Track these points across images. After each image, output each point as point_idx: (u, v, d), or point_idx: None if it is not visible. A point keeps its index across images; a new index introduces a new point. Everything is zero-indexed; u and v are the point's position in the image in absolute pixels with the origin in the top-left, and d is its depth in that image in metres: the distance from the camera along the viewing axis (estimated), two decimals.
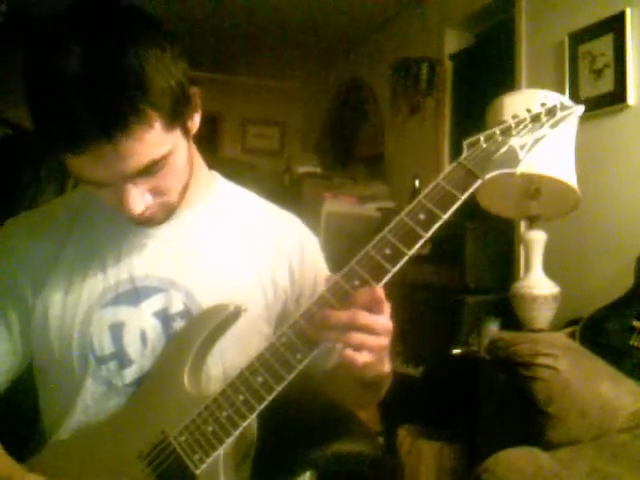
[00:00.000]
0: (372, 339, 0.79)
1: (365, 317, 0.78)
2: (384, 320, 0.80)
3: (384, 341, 0.80)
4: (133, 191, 0.80)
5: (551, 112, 0.86)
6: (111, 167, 0.76)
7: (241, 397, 0.81)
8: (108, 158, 0.75)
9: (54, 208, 1.00)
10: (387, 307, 0.80)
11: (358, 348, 0.78)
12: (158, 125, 0.76)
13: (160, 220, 0.89)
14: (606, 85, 2.31)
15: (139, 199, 0.81)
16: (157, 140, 0.77)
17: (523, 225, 2.47)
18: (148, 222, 0.88)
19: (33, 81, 0.76)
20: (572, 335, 1.82)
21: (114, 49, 0.72)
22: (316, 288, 1.03)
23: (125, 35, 0.74)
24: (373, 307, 0.79)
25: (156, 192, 0.84)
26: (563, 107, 0.86)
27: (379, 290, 0.79)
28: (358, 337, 0.78)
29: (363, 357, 0.78)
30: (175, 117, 0.79)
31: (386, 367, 0.87)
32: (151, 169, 0.79)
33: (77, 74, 0.71)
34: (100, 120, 0.72)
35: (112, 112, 0.72)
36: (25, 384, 0.97)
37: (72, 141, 0.73)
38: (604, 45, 2.32)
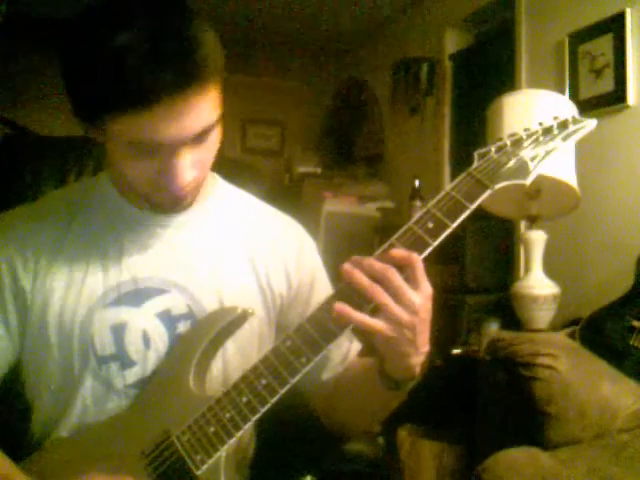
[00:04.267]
0: (394, 305, 0.76)
1: (398, 279, 0.75)
2: (415, 296, 0.77)
3: (407, 317, 0.76)
4: (183, 159, 0.80)
5: (563, 125, 0.86)
6: (174, 126, 0.77)
7: (244, 399, 0.81)
8: (174, 115, 0.76)
9: (52, 201, 0.99)
10: (425, 286, 0.77)
11: (380, 309, 0.75)
12: (214, 92, 0.80)
13: (188, 203, 0.91)
14: (606, 85, 2.31)
15: (188, 169, 0.82)
16: (212, 106, 0.80)
17: (523, 225, 2.47)
18: (178, 203, 0.89)
19: (102, 44, 0.75)
20: (572, 335, 1.82)
21: (177, 20, 0.77)
22: (312, 293, 1.03)
23: (183, 8, 0.79)
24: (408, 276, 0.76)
25: (196, 166, 0.84)
26: (575, 121, 0.87)
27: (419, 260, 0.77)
28: (383, 295, 0.75)
29: (376, 322, 0.76)
30: (222, 89, 0.82)
31: (412, 361, 0.82)
32: (203, 136, 0.81)
33: (148, 37, 0.74)
34: (174, 73, 0.74)
35: (183, 69, 0.75)
36: (14, 382, 0.96)
37: (149, 91, 0.74)
38: (604, 45, 2.32)
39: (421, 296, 0.78)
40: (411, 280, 0.77)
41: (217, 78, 0.80)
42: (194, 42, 0.76)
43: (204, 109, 0.79)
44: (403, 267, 0.77)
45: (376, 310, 0.77)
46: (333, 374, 1.03)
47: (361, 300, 0.77)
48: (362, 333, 0.80)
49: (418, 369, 0.84)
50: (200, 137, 0.81)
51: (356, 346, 1.06)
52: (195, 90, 0.76)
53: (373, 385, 0.89)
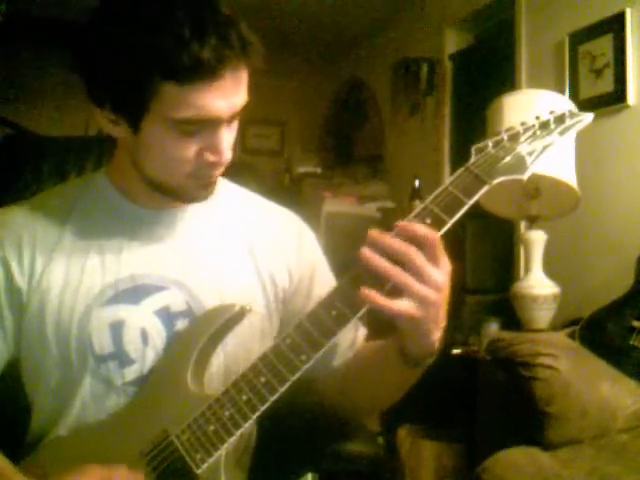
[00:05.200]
0: (419, 285, 0.75)
1: (421, 258, 0.74)
2: (437, 273, 0.75)
3: (433, 295, 0.75)
4: (225, 135, 0.85)
5: (560, 119, 0.86)
6: (230, 99, 0.82)
7: (244, 397, 0.81)
8: (232, 89, 0.81)
9: (49, 199, 0.99)
10: (444, 261, 0.76)
11: (400, 288, 0.75)
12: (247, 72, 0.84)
13: (211, 191, 0.93)
14: (606, 85, 2.31)
15: (229, 147, 0.86)
16: (247, 85, 0.85)
17: (523, 225, 2.47)
18: (209, 189, 0.92)
19: (164, 20, 0.77)
20: (572, 335, 1.82)
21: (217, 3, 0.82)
22: (313, 285, 1.03)
23: None
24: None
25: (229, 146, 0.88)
26: (572, 115, 0.87)
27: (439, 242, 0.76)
28: (407, 277, 0.74)
29: (401, 304, 0.75)
30: None
31: (433, 338, 0.81)
32: (240, 112, 0.85)
33: (213, 18, 0.79)
34: (238, 47, 0.79)
35: (242, 43, 0.80)
36: (15, 381, 0.96)
37: (218, 63, 0.77)
38: (604, 45, 2.32)
39: (443, 272, 0.77)
40: (431, 257, 0.76)
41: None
42: (236, 18, 0.81)
43: (246, 85, 0.84)
44: (422, 245, 0.75)
45: (394, 290, 0.76)
46: (343, 360, 1.02)
47: (378, 283, 0.76)
48: (378, 316, 0.78)
49: (437, 344, 0.84)
50: (240, 111, 0.85)
51: (362, 331, 1.06)
52: (245, 65, 0.82)
53: (390, 365, 0.89)
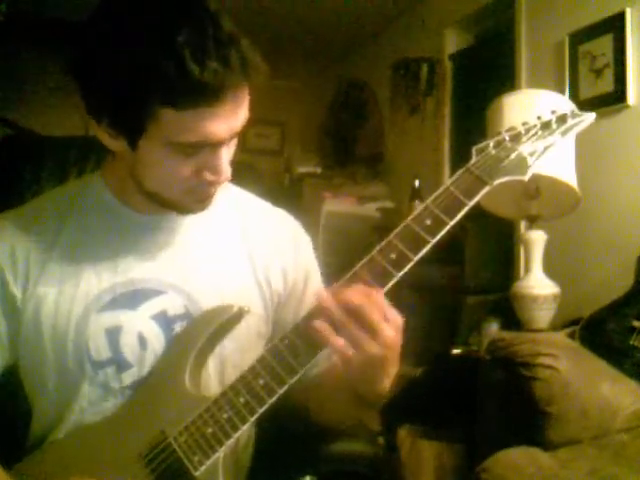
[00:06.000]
0: (371, 343, 0.75)
1: (374, 312, 0.75)
2: (389, 331, 0.76)
3: (383, 351, 0.76)
4: (227, 154, 0.84)
5: (562, 120, 0.86)
6: (231, 122, 0.80)
7: (242, 399, 0.81)
8: (233, 111, 0.79)
9: (44, 204, 0.98)
10: (396, 319, 0.77)
11: (354, 343, 0.76)
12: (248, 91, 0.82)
13: (212, 201, 0.91)
14: (606, 85, 2.31)
15: (228, 164, 0.85)
16: (248, 102, 0.83)
17: (523, 225, 2.47)
18: (209, 200, 0.90)
19: (164, 43, 0.74)
20: (572, 335, 1.82)
21: (217, 17, 0.77)
22: (306, 289, 1.03)
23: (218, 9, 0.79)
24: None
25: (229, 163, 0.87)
26: (574, 115, 0.86)
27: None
28: (357, 332, 0.75)
29: (353, 357, 0.76)
30: None
31: (383, 385, 0.83)
32: (239, 132, 0.83)
33: (204, 34, 0.75)
34: (239, 69, 0.76)
35: (243, 64, 0.77)
36: (17, 386, 0.96)
37: (220, 87, 0.75)
38: (604, 45, 2.32)
39: (394, 328, 0.77)
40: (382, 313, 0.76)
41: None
42: (237, 36, 0.78)
43: (247, 104, 0.82)
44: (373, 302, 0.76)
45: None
46: (320, 369, 1.02)
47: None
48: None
49: (387, 390, 0.85)
50: (239, 131, 0.83)
51: None
52: (247, 85, 0.80)
53: (344, 397, 0.91)
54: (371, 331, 0.76)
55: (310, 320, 0.79)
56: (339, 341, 0.76)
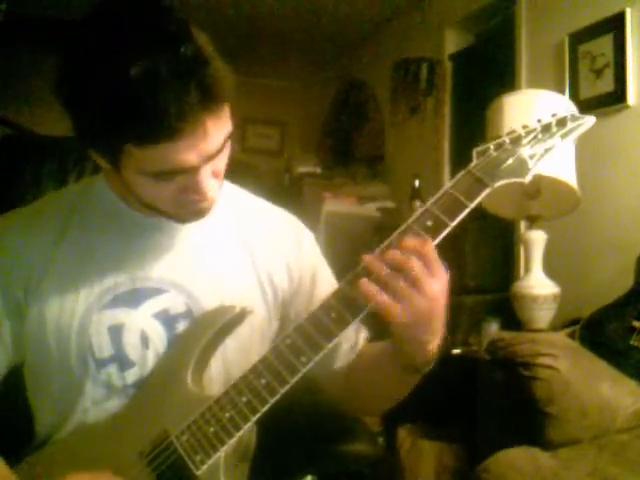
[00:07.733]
0: (417, 296, 0.75)
1: (418, 268, 0.75)
2: (435, 284, 0.76)
3: (427, 304, 0.76)
4: (205, 173, 0.81)
5: (562, 123, 0.86)
6: (202, 147, 0.77)
7: (244, 399, 0.81)
8: (202, 136, 0.76)
9: (47, 205, 0.98)
10: (441, 273, 0.77)
11: (400, 298, 0.75)
12: (227, 104, 0.79)
13: (212, 207, 0.89)
14: (606, 85, 2.31)
15: (210, 180, 0.82)
16: (228, 115, 0.80)
17: (523, 225, 2.47)
18: (205, 211, 0.88)
19: (117, 80, 0.72)
20: (572, 335, 1.82)
21: (184, 39, 0.74)
22: (314, 285, 1.03)
23: (182, 22, 0.76)
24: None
25: (216, 174, 0.84)
26: (574, 118, 0.87)
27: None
28: (401, 285, 0.75)
29: (399, 311, 0.75)
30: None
31: (431, 345, 0.82)
32: (223, 147, 0.81)
33: (163, 62, 0.72)
34: (199, 95, 0.73)
35: (206, 88, 0.74)
36: (20, 386, 0.96)
37: (178, 118, 0.72)
38: (604, 45, 2.32)
39: (439, 283, 0.77)
40: (428, 267, 0.76)
41: (230, 86, 0.78)
42: (206, 57, 0.75)
43: (225, 122, 0.79)
44: (419, 256, 0.76)
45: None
46: (345, 362, 1.02)
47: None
48: (379, 321, 0.80)
49: (435, 352, 0.85)
50: (223, 147, 0.81)
51: (364, 334, 1.06)
52: (218, 106, 0.76)
53: (390, 369, 0.90)
54: (417, 285, 0.76)
55: (351, 284, 0.79)
56: (385, 297, 0.76)
